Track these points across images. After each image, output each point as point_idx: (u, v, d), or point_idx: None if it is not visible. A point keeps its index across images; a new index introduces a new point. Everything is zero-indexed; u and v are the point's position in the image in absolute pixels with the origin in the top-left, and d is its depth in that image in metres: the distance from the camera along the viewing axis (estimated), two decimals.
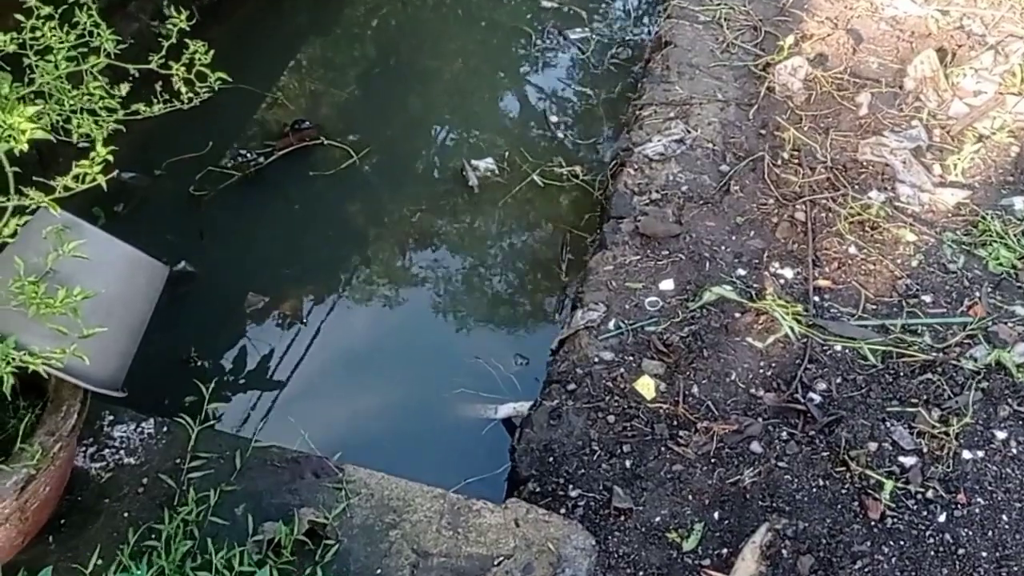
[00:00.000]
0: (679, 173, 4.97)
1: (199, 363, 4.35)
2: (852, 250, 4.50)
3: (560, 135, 5.85)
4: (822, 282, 4.35)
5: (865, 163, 4.97)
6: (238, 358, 4.47)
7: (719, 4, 6.14)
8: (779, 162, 5.01)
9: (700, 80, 5.57)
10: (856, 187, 4.82)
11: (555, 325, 4.65)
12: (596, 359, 4.08)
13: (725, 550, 3.37)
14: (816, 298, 4.28)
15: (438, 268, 5.05)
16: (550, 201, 5.49)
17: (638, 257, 4.53)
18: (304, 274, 5.04)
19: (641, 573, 3.30)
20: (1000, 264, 4.38)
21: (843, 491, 3.51)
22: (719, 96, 5.45)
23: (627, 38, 6.56)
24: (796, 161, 5.00)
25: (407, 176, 5.60)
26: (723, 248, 4.55)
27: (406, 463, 4.00)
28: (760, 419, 3.76)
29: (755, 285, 4.33)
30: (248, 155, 5.52)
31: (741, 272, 4.42)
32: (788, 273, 4.39)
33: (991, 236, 4.50)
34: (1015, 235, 4.50)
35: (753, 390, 3.89)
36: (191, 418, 3.48)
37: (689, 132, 5.18)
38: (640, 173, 5.01)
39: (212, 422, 3.53)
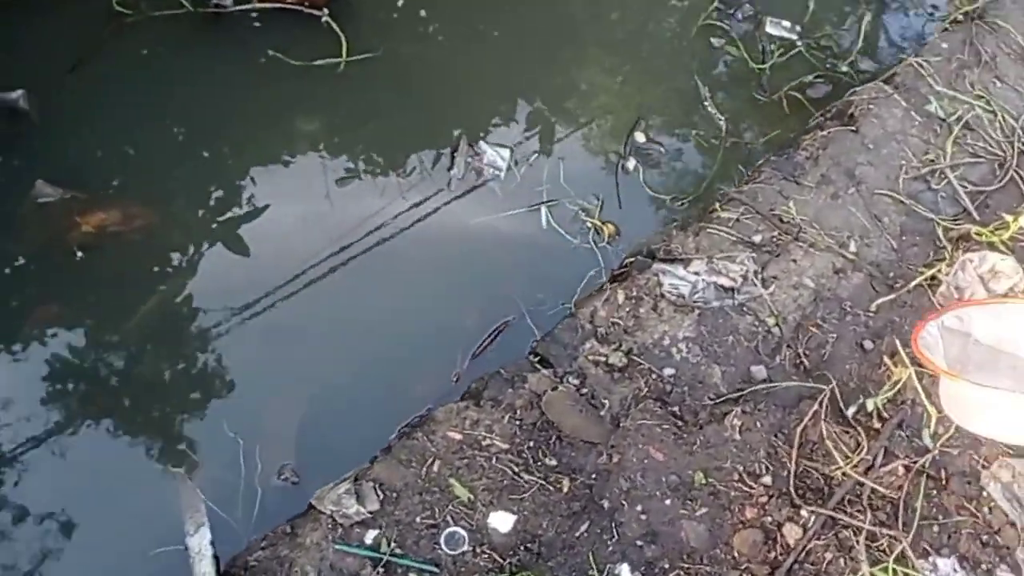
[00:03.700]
0: (685, 342, 3.02)
1: None
2: None
3: (630, 167, 3.87)
4: None
5: (984, 505, 2.80)
6: None
7: (979, 93, 3.73)
8: (847, 411, 2.92)
9: (845, 204, 3.39)
10: (929, 538, 2.71)
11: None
12: None
13: None
14: None
15: (309, 296, 3.43)
16: (537, 252, 3.66)
17: (507, 446, 2.76)
18: (164, 185, 3.61)
19: None
20: None
21: None
22: (851, 247, 3.28)
23: (838, 68, 4.22)
24: (876, 424, 2.90)
25: (386, 118, 3.89)
26: (639, 510, 2.69)
27: None
28: None
29: None
30: None
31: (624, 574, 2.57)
32: None
33: None
34: None
35: None
36: None
37: (753, 283, 3.13)
38: (630, 306, 3.09)
39: None
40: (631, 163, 3.88)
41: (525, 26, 4.25)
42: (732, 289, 3.11)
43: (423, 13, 4.19)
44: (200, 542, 2.79)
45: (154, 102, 3.71)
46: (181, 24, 3.87)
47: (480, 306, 3.47)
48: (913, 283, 3.18)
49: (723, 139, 3.97)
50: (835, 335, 3.09)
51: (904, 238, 3.33)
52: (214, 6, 3.93)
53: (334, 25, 3.94)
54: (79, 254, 3.29)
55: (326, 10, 3.99)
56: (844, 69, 4.19)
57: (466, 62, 4.16)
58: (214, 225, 3.54)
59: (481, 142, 3.83)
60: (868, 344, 3.07)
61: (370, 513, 2.58)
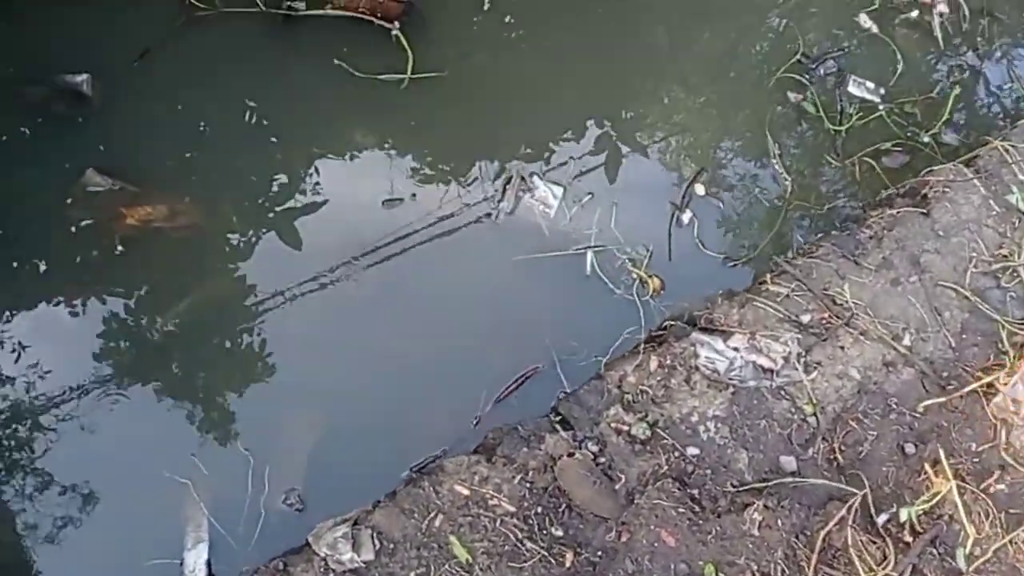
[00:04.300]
0: (714, 420, 2.89)
1: None
2: None
3: (685, 220, 3.74)
4: None
5: None
6: None
7: None
8: (878, 518, 2.76)
9: (905, 293, 3.21)
10: None
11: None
12: None
13: None
14: None
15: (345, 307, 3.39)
16: (577, 298, 3.56)
17: (514, 509, 2.67)
18: (213, 185, 3.59)
19: None
20: None
21: None
22: (905, 340, 3.11)
23: (919, 138, 4.01)
24: (907, 537, 2.74)
25: (443, 140, 3.83)
26: None
27: None
28: None
29: None
30: None
31: None
32: None
33: None
34: None
35: None
36: None
37: (795, 366, 2.98)
38: (662, 375, 2.97)
39: None
40: (687, 216, 3.74)
41: (602, 57, 4.14)
42: (772, 370, 2.97)
43: (508, 19, 4.10)
44: (196, 560, 2.78)
45: (214, 99, 3.71)
46: (251, 23, 3.85)
47: (511, 346, 3.38)
48: (967, 388, 2.99)
49: (786, 201, 3.81)
50: (875, 433, 2.92)
51: (964, 336, 3.14)
52: (286, 8, 3.90)
53: (403, 40, 3.87)
54: (119, 248, 3.30)
55: (397, 23, 3.92)
56: (926, 140, 3.98)
57: (535, 89, 4.07)
58: (259, 232, 3.52)
59: (535, 176, 3.75)
60: (910, 448, 2.90)
61: (364, 562, 2.52)
